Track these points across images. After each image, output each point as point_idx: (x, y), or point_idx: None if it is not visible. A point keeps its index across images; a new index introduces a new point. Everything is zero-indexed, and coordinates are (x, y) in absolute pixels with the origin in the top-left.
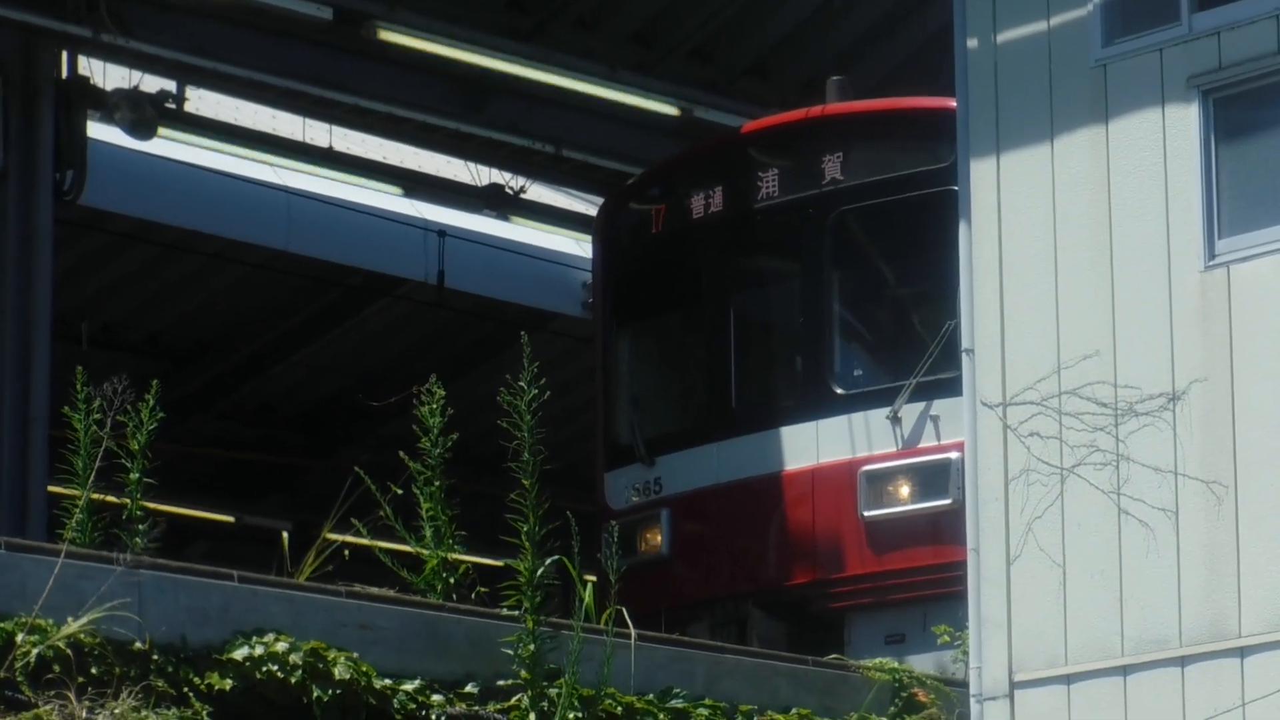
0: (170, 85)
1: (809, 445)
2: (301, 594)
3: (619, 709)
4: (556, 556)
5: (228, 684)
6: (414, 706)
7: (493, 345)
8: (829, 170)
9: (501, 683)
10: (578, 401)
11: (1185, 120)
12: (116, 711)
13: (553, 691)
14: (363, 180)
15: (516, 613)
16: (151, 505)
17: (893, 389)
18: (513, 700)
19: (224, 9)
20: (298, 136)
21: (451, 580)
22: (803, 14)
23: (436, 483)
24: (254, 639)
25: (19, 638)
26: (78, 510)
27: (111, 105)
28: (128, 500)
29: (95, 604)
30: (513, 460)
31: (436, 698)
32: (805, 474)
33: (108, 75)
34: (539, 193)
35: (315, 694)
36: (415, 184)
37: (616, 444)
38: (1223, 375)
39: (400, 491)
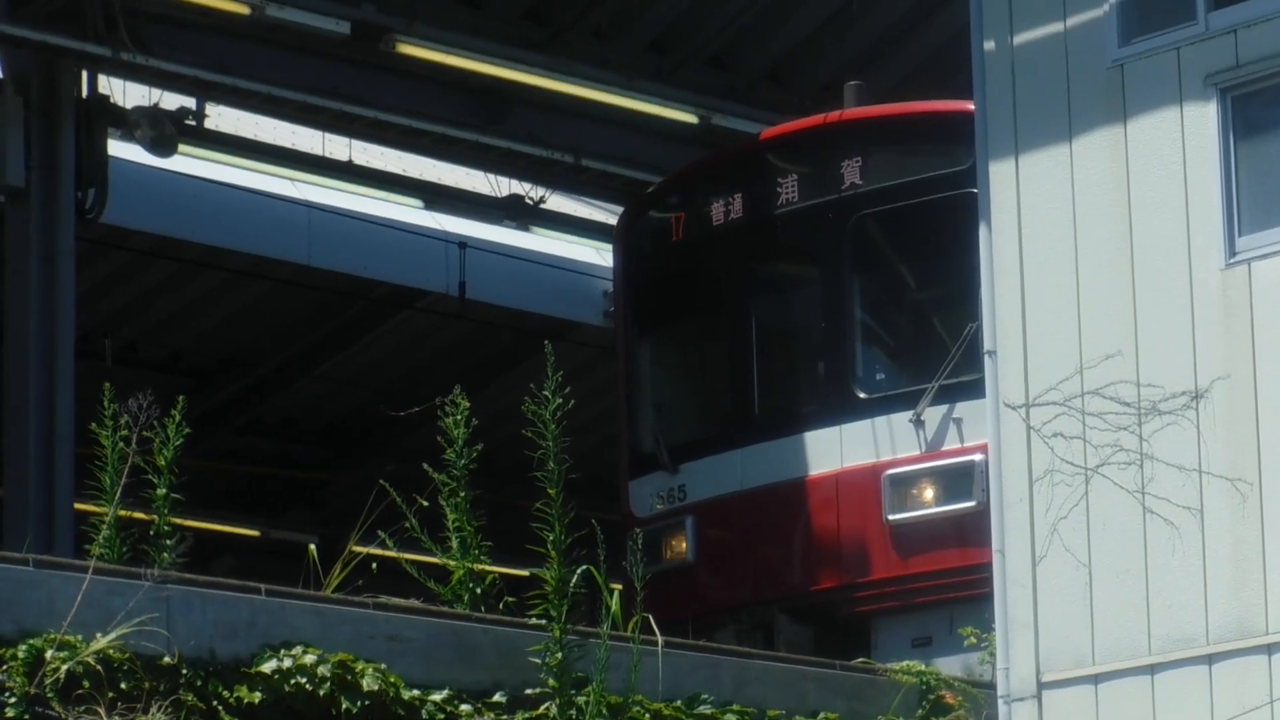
0: (190, 102)
1: (832, 450)
2: (329, 606)
3: (647, 716)
4: (584, 566)
5: (257, 697)
6: (443, 717)
7: (515, 356)
8: (848, 175)
9: (529, 691)
10: (601, 410)
11: (1204, 118)
12: None
13: (581, 699)
14: (383, 193)
15: (544, 622)
16: (178, 520)
17: (915, 392)
18: (541, 709)
19: (242, 25)
20: (317, 151)
21: (478, 590)
22: (819, 19)
23: (462, 494)
24: (282, 652)
25: (48, 654)
26: (105, 526)
27: (132, 123)
28: (154, 516)
29: (124, 619)
30: (537, 470)
31: (465, 707)
32: (829, 479)
33: (128, 93)
34: (559, 203)
35: (344, 705)
36: (435, 196)
37: (640, 452)
38: (1245, 372)
39: (426, 503)
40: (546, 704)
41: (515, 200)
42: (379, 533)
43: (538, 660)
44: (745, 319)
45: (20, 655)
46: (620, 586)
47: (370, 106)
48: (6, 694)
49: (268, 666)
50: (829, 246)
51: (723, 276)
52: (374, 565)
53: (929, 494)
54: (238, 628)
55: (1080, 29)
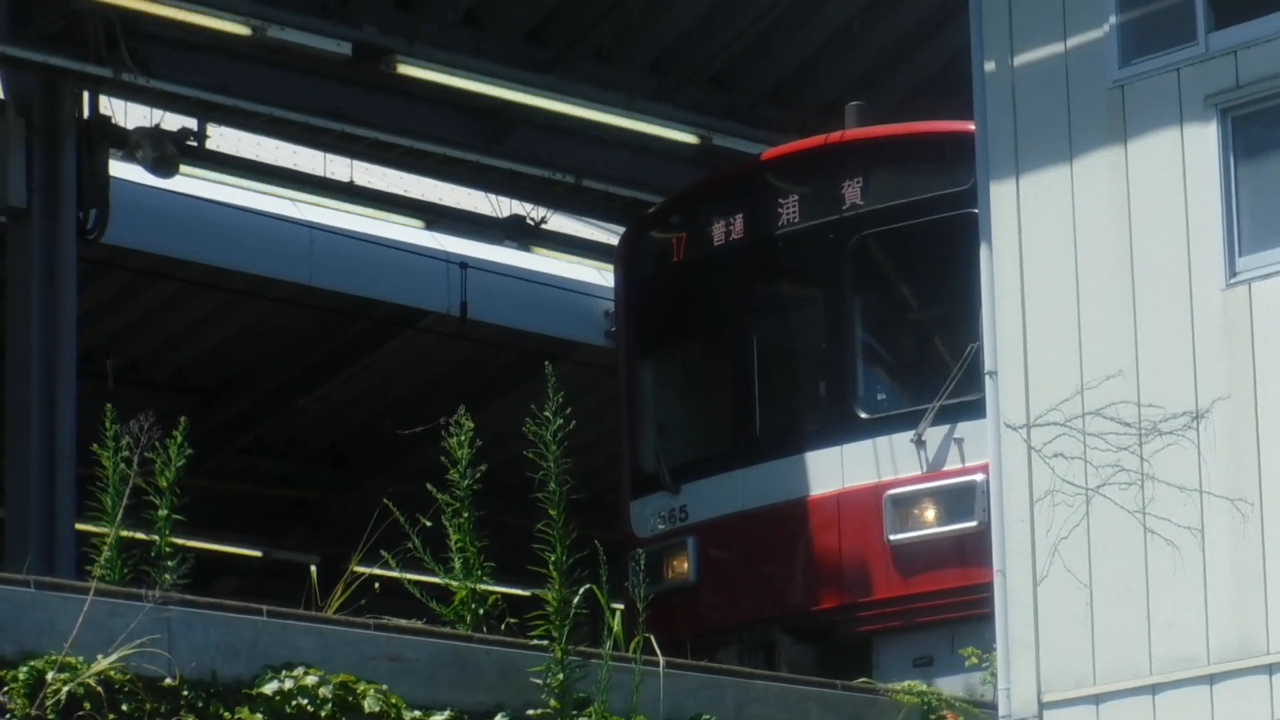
0: (191, 123)
1: (834, 470)
2: (330, 627)
3: None
4: (586, 586)
5: (258, 718)
6: None
7: (516, 376)
8: (849, 195)
9: (531, 712)
10: (602, 430)
11: (1204, 139)
12: None
13: None
14: (384, 214)
15: (545, 642)
16: (179, 541)
17: (917, 412)
18: None
19: (243, 46)
20: (319, 171)
21: (480, 611)
22: (820, 40)
23: (465, 514)
24: (283, 673)
25: (49, 676)
26: (106, 547)
27: (133, 144)
28: (156, 537)
29: (125, 641)
30: (539, 490)
31: None
32: (831, 499)
33: (129, 114)
34: (560, 223)
35: None
36: (437, 216)
37: (642, 472)
38: (1246, 392)
39: (429, 524)
40: None
41: (516, 220)
42: (381, 553)
43: (539, 681)
44: (746, 339)
45: (21, 677)
46: (622, 607)
47: (371, 127)
48: (7, 715)
49: (269, 688)
50: (830, 267)
51: (724, 297)
52: (376, 586)
53: (930, 514)
54: (239, 649)
55: (1080, 50)
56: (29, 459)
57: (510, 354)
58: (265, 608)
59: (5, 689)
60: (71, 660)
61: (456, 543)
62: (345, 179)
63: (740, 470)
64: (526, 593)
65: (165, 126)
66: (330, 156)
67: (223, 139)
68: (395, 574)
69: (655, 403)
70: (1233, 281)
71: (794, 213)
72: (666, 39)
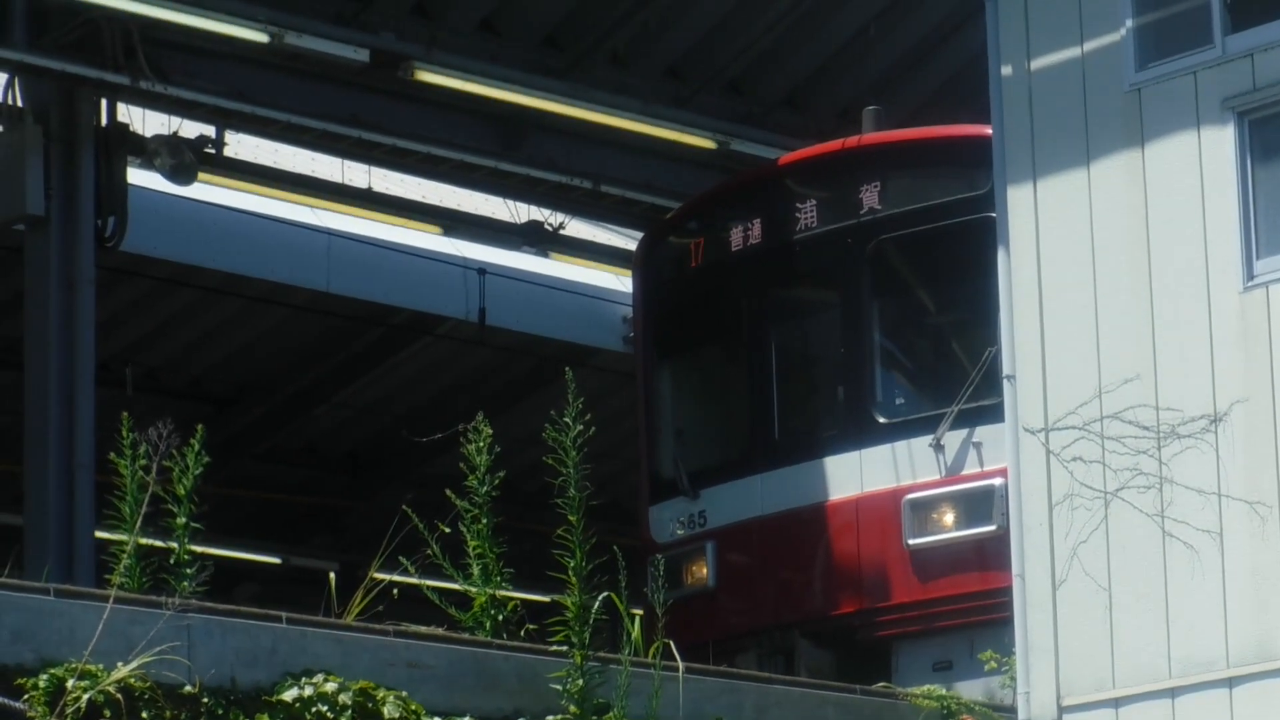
0: (209, 130)
1: (853, 474)
2: (349, 634)
3: None
4: (605, 592)
5: None
6: None
7: (534, 382)
8: (867, 200)
9: (551, 718)
10: (621, 436)
11: (1221, 142)
12: None
13: None
14: (402, 220)
15: (564, 648)
16: (198, 549)
17: (935, 416)
18: None
19: (261, 53)
20: (337, 178)
21: (499, 617)
22: (836, 44)
23: (483, 520)
24: (303, 680)
25: (69, 683)
26: (125, 555)
27: (151, 151)
28: (175, 544)
29: (145, 648)
30: (557, 496)
31: None
32: (849, 503)
33: (147, 122)
34: (578, 228)
35: None
36: (455, 222)
37: (660, 477)
38: (1264, 395)
39: (447, 530)
40: None
41: (534, 226)
42: (400, 559)
43: (559, 687)
44: (765, 344)
45: (41, 685)
46: (641, 612)
47: (389, 134)
48: None
49: (289, 694)
50: (848, 271)
51: (742, 302)
52: (395, 592)
53: (949, 518)
54: (259, 656)
55: (1097, 53)
56: (48, 467)
57: (529, 360)
58: (284, 614)
59: (26, 697)
60: (91, 668)
61: (475, 549)
62: (363, 185)
63: (759, 475)
64: (546, 598)
65: (183, 134)
66: (348, 163)
67: (240, 146)
68: (414, 580)
69: (673, 408)
70: (1250, 284)
71: (811, 217)
72: (683, 45)
